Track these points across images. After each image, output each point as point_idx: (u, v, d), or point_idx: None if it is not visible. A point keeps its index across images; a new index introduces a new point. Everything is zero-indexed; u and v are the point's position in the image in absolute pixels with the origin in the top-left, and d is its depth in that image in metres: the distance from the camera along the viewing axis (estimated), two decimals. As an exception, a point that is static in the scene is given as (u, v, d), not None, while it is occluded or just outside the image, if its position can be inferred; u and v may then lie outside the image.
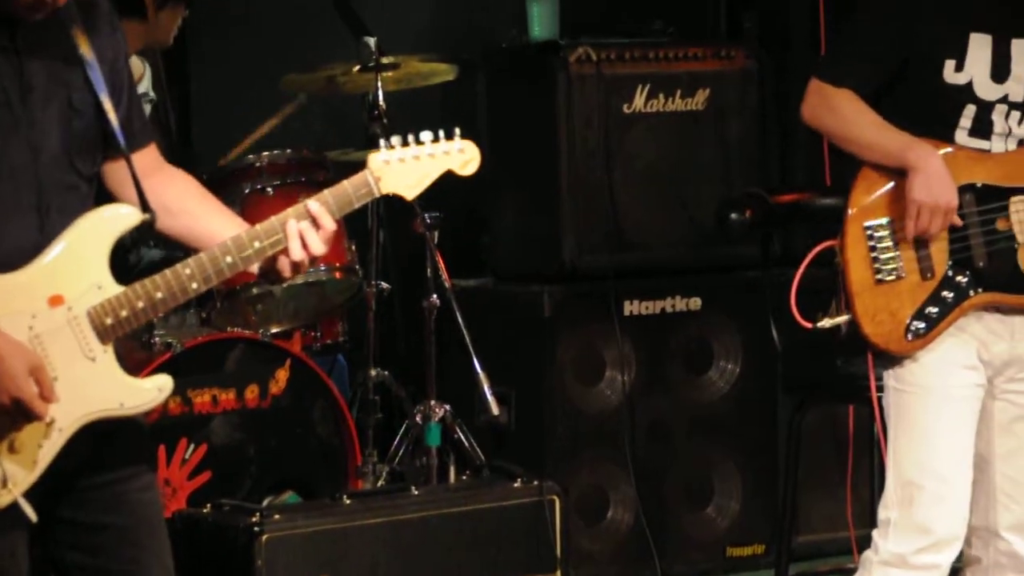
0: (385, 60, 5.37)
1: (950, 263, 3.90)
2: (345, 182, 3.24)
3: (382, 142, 3.24)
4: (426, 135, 3.26)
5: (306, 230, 3.18)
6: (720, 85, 5.65)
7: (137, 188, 3.19)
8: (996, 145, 3.92)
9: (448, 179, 5.72)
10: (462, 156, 3.31)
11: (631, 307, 5.60)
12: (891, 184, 3.90)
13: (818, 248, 3.95)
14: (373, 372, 5.45)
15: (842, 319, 3.94)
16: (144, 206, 3.18)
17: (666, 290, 5.63)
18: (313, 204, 3.19)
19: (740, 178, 5.63)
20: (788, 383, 5.58)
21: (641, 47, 5.60)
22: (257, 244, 3.18)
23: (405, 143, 3.25)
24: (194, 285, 3.15)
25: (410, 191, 3.28)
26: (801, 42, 5.67)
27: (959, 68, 3.88)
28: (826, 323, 3.96)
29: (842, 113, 3.92)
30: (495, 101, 5.75)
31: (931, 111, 3.90)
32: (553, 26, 5.71)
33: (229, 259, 3.17)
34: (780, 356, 5.38)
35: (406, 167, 3.25)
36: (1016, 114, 3.90)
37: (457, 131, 3.30)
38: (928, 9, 3.89)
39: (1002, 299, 3.92)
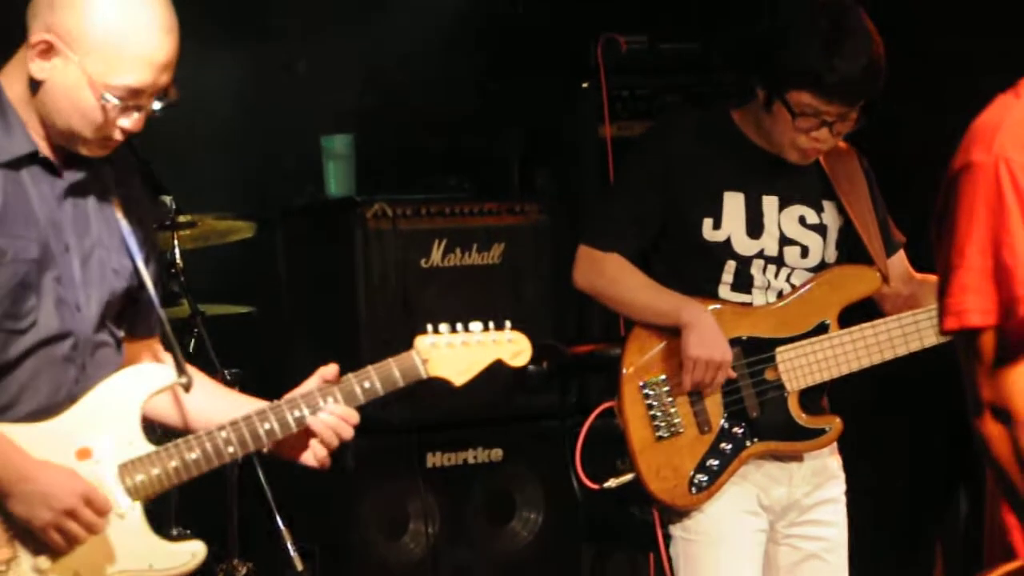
0: (182, 219, 5.38)
1: (725, 415, 4.01)
2: (392, 361, 3.21)
3: (429, 327, 3.23)
4: (475, 325, 3.27)
5: (340, 427, 3.16)
6: (515, 239, 5.77)
7: (173, 351, 3.14)
8: (757, 298, 4.05)
9: (250, 332, 5.79)
10: (512, 347, 3.33)
11: (433, 459, 5.64)
12: (663, 342, 4.01)
13: (598, 409, 4.04)
14: (175, 531, 5.38)
15: (627, 478, 4.02)
16: (180, 369, 3.13)
17: (467, 441, 5.68)
18: (349, 413, 3.16)
19: (537, 330, 5.65)
20: (590, 532, 5.63)
21: (437, 203, 5.71)
22: (297, 414, 3.13)
23: (453, 330, 3.24)
24: (231, 449, 3.09)
25: (459, 377, 3.27)
26: (593, 196, 5.81)
27: (716, 226, 4.02)
28: (612, 483, 4.05)
29: (612, 277, 4.04)
30: (294, 257, 5.80)
31: (695, 268, 4.04)
32: (350, 183, 5.78)
33: (268, 426, 3.11)
34: (581, 505, 5.43)
35: (455, 353, 3.24)
36: (772, 267, 4.05)
37: (508, 323, 3.32)
38: (683, 171, 4.03)
39: (777, 447, 4.03)
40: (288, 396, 3.16)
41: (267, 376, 5.81)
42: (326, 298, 5.68)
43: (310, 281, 5.73)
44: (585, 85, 5.86)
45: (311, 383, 3.19)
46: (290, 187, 6.03)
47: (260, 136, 6.18)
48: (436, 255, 5.67)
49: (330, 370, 3.21)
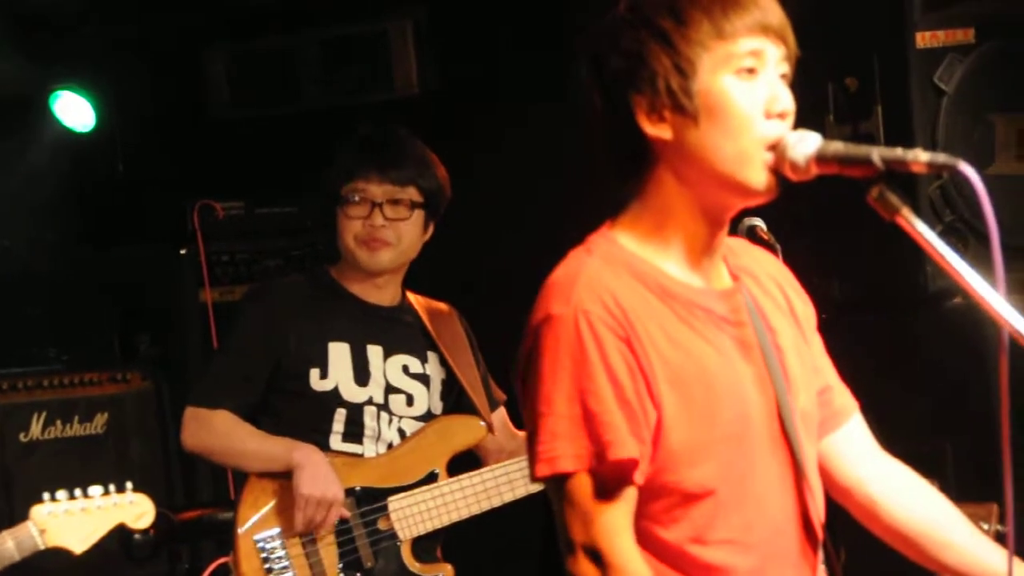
0: None
1: (341, 565, 4.02)
2: (6, 533, 3.06)
3: (45, 495, 3.11)
4: (95, 489, 3.17)
5: None
6: (118, 408, 5.70)
7: None
8: (368, 448, 4.10)
9: None
10: (135, 508, 3.23)
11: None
12: (278, 495, 4.01)
13: (213, 565, 4.00)
14: None
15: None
16: None
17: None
18: None
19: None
20: None
21: (35, 375, 5.60)
22: None
23: (72, 496, 3.10)
24: None
25: (80, 544, 3.15)
26: (196, 358, 5.79)
27: (324, 375, 4.07)
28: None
29: (221, 432, 4.03)
30: None
31: (306, 419, 4.07)
32: (-58, 360, 5.61)
33: None
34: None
35: (74, 520, 3.12)
36: (385, 415, 4.12)
37: (129, 485, 3.22)
38: (287, 325, 4.08)
39: (395, 597, 4.07)
40: None
41: None
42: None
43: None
44: (183, 251, 5.86)
45: None
46: None
47: None
48: (36, 428, 5.55)
49: None
